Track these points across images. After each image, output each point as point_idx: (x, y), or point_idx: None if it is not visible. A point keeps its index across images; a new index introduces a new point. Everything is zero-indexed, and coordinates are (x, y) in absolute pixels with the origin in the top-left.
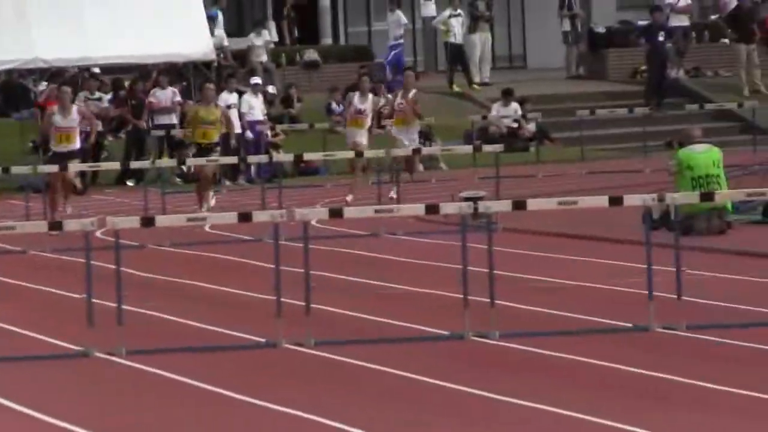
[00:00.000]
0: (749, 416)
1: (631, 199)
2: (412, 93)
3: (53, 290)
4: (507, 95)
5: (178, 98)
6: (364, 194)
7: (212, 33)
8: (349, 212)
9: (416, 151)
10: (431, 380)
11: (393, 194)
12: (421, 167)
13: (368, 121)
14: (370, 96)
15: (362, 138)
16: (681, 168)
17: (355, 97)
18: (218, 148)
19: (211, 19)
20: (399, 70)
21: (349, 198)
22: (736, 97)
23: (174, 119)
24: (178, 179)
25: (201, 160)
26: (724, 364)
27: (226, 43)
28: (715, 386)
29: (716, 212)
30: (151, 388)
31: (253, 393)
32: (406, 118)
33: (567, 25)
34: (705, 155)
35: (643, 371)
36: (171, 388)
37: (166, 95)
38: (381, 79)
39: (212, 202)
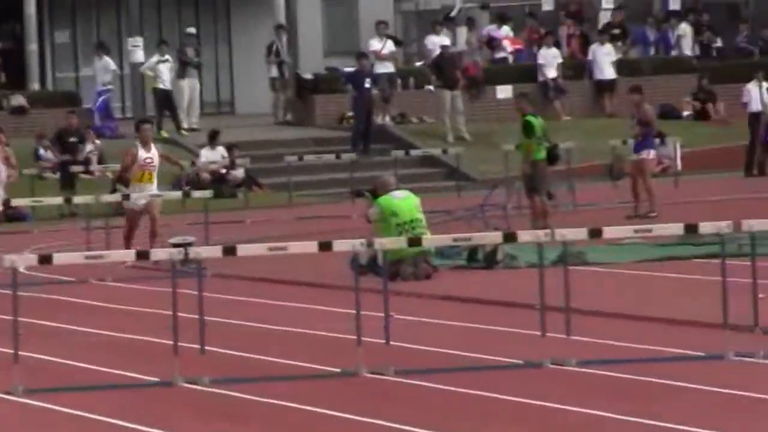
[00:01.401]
0: None
1: (340, 245)
2: (154, 147)
3: None
4: (213, 138)
5: None
6: (75, 240)
7: None
8: (59, 258)
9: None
10: (124, 423)
11: None
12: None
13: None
14: None
15: None
16: (384, 215)
17: None
18: None
19: None
20: (108, 116)
21: None
22: (440, 143)
23: None
24: None
25: None
26: (431, 409)
27: None
28: (423, 431)
29: (422, 257)
30: None
31: None
32: (152, 175)
33: (274, 72)
34: (406, 201)
35: (351, 416)
36: None
37: None
38: (89, 125)
39: None
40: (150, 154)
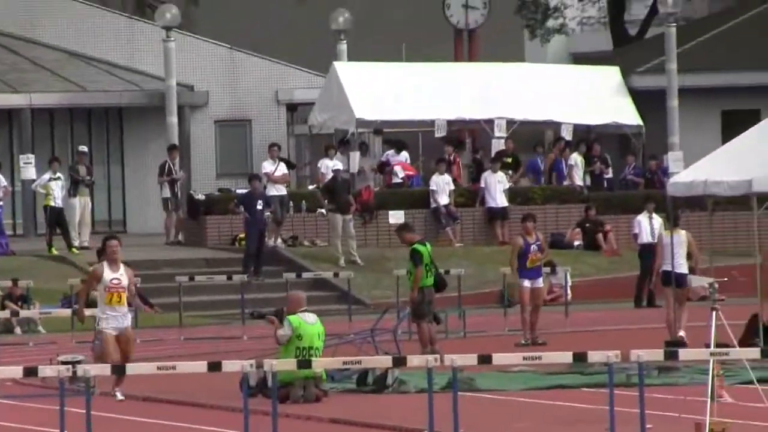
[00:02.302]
0: None
1: (230, 365)
2: (123, 267)
3: None
4: (101, 254)
5: None
6: None
7: None
8: None
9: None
10: None
11: None
12: (18, 330)
13: None
14: None
15: None
16: (292, 335)
17: None
18: None
19: None
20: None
21: None
22: (332, 267)
23: None
24: None
25: None
26: None
27: None
28: None
29: (313, 380)
30: None
31: None
32: (121, 296)
33: (167, 192)
34: (314, 327)
35: None
36: None
37: None
38: None
39: None
40: (117, 275)
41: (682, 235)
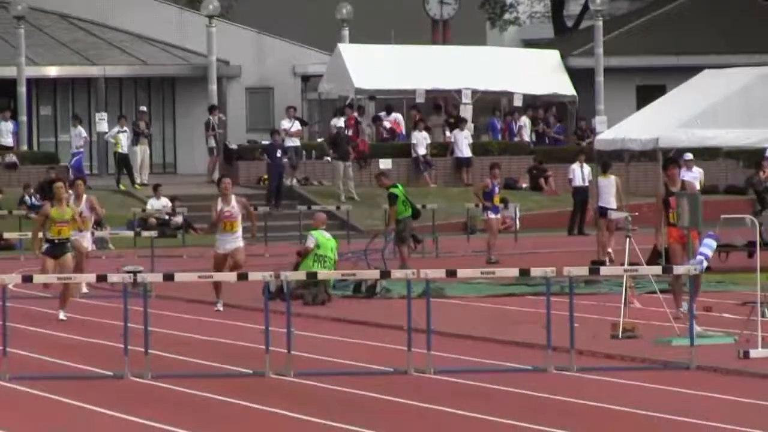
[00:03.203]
0: None
1: (254, 276)
2: (234, 199)
3: None
4: (155, 189)
5: None
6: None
7: None
8: (38, 279)
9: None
10: (96, 408)
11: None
12: (94, 247)
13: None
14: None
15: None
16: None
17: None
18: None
19: None
20: (79, 172)
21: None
22: (335, 201)
23: None
24: None
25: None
26: (321, 402)
27: None
28: (313, 419)
29: (322, 287)
30: None
31: None
32: (233, 224)
33: (212, 142)
34: (330, 242)
35: (256, 406)
36: None
37: None
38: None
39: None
40: (229, 207)
41: (612, 180)
